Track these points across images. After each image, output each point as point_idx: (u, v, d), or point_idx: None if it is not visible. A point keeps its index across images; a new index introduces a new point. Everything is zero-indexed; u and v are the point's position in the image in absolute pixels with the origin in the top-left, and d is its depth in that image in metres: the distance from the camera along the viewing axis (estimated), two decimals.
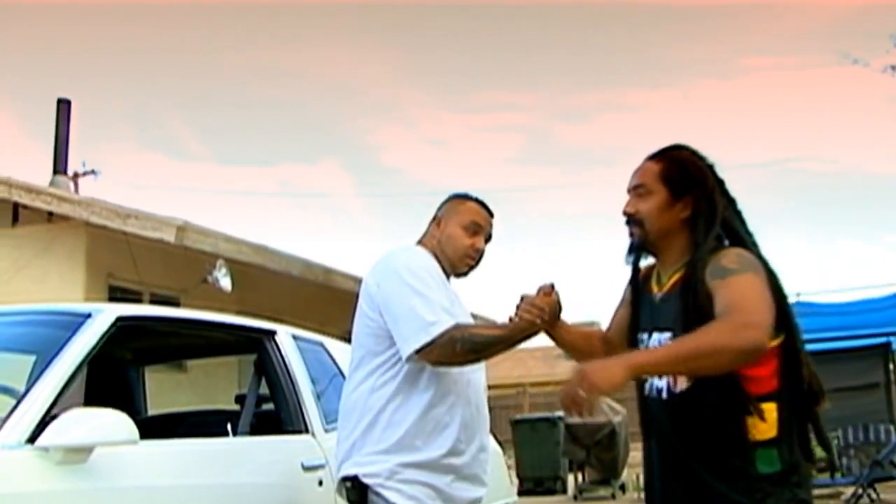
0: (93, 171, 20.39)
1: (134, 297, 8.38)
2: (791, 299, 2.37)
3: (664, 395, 2.25)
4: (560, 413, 13.05)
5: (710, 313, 2.11)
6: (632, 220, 2.35)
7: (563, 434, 12.99)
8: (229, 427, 3.47)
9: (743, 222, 2.36)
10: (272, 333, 3.88)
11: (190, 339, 4.00)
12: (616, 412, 12.97)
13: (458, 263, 2.86)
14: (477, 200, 2.95)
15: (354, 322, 2.84)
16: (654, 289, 2.39)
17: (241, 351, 4.27)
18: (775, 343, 2.15)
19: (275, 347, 3.84)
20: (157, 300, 8.77)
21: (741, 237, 2.33)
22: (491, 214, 2.95)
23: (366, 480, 2.64)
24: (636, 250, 2.40)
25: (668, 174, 2.32)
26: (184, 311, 3.65)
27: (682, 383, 2.19)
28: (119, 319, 3.07)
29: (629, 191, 2.39)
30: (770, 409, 2.17)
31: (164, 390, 7.41)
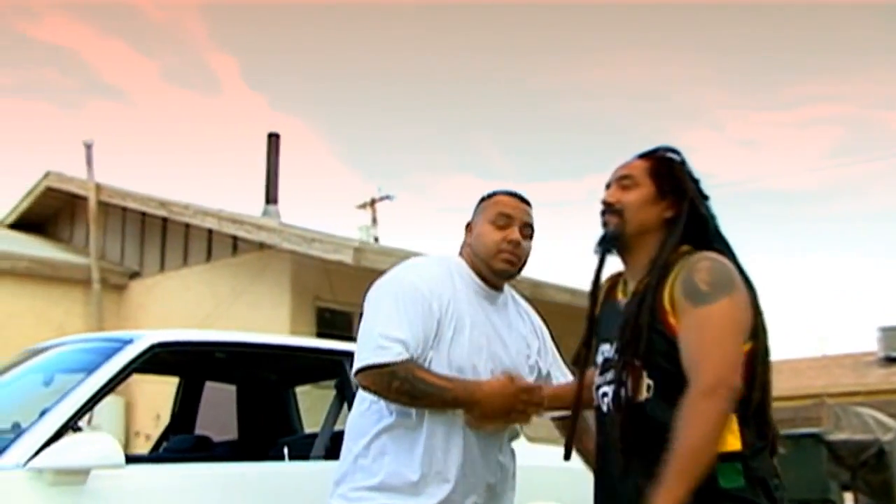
0: (388, 197, 21.50)
1: (342, 319, 8.73)
2: None
3: (622, 405, 2.09)
4: (822, 428, 11.94)
5: (656, 329, 2.04)
6: (610, 209, 2.23)
7: (825, 453, 11.83)
8: (286, 451, 3.47)
9: (724, 238, 2.22)
10: (352, 355, 3.84)
11: (257, 366, 4.06)
12: (887, 428, 11.60)
13: (493, 261, 2.58)
14: (505, 192, 2.68)
15: None
16: (620, 296, 2.27)
17: (321, 376, 4.27)
18: (744, 349, 2.03)
19: None
20: None
21: (722, 250, 2.18)
22: (525, 203, 2.67)
23: None
24: (608, 241, 2.25)
25: (658, 171, 2.24)
26: (241, 335, 3.68)
27: (642, 394, 2.05)
28: (156, 346, 3.19)
29: (611, 183, 2.29)
30: (729, 419, 1.98)
31: None
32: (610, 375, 2.15)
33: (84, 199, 10.32)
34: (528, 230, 2.63)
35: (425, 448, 2.43)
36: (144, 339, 3.20)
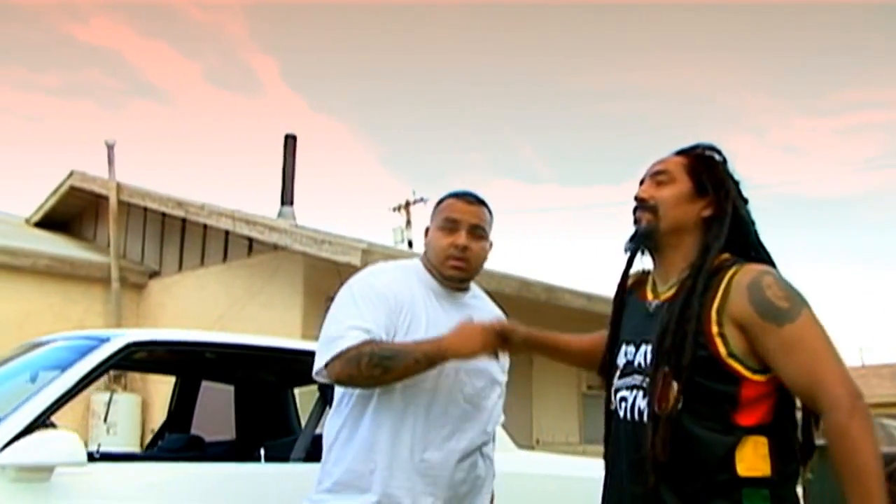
0: (422, 199, 21.49)
1: None
2: None
3: (645, 418, 1.95)
4: None
5: (697, 340, 1.90)
6: (643, 205, 2.11)
7: None
8: (262, 453, 3.47)
9: (764, 247, 2.10)
10: None
11: (234, 365, 4.06)
12: None
13: (443, 267, 2.61)
14: (454, 195, 2.69)
15: None
16: (649, 296, 2.14)
17: (303, 378, 4.24)
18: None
19: None
20: None
21: (762, 257, 2.07)
22: (477, 203, 2.66)
23: None
24: (640, 239, 2.13)
25: (696, 168, 2.12)
26: (217, 335, 3.68)
27: (671, 406, 1.91)
28: (132, 345, 3.20)
29: (645, 179, 2.17)
30: (760, 442, 1.89)
31: None
32: (632, 380, 2.04)
33: (107, 198, 10.43)
34: (477, 231, 2.63)
35: (371, 445, 2.44)
36: (121, 337, 3.23)
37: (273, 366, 4.44)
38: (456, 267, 2.59)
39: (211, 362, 4.15)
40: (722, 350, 1.88)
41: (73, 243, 11.26)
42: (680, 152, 2.17)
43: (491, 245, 2.72)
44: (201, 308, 9.24)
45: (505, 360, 2.77)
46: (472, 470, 2.59)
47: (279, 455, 3.63)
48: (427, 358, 2.36)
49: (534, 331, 2.50)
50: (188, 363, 4.25)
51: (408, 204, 21.28)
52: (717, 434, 1.86)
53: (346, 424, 2.49)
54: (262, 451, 3.50)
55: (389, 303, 2.50)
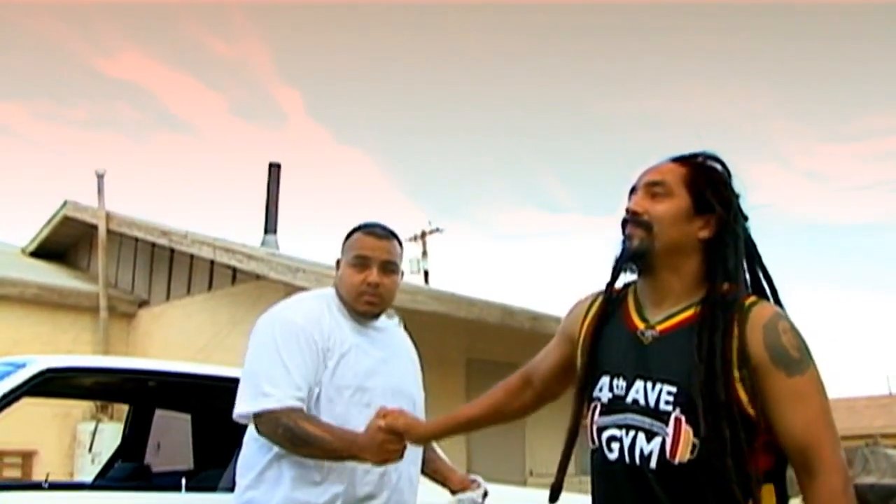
0: (438, 230, 21.35)
1: None
2: None
3: (653, 464, 1.79)
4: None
5: (730, 370, 1.77)
6: (636, 220, 1.90)
7: None
8: (184, 482, 3.41)
9: (767, 270, 1.95)
10: None
11: (153, 392, 4.02)
12: None
13: (356, 304, 2.63)
14: (363, 230, 2.68)
15: None
16: (638, 323, 1.93)
17: (220, 405, 4.19)
18: None
19: None
20: None
21: (766, 289, 1.93)
22: (387, 237, 2.66)
23: None
24: (632, 258, 1.92)
25: (695, 181, 1.91)
26: (134, 361, 3.66)
27: (685, 453, 1.76)
28: (47, 371, 3.18)
29: (638, 188, 1.95)
30: (770, 490, 1.81)
31: None
32: (624, 419, 1.86)
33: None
34: (389, 266, 2.65)
35: (312, 469, 2.44)
36: (37, 363, 3.21)
37: (220, 394, 4.39)
38: (369, 303, 2.62)
39: (151, 390, 4.11)
40: (744, 397, 1.76)
41: (65, 272, 11.30)
42: (677, 159, 1.97)
43: (402, 275, 2.73)
44: (187, 337, 9.22)
45: (418, 374, 2.80)
46: (411, 478, 2.63)
47: (208, 484, 3.57)
48: (338, 455, 2.39)
49: (436, 425, 2.32)
50: (122, 391, 4.22)
51: (423, 234, 21.14)
52: (737, 485, 1.74)
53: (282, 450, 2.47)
54: (183, 480, 3.43)
55: (314, 338, 2.50)
